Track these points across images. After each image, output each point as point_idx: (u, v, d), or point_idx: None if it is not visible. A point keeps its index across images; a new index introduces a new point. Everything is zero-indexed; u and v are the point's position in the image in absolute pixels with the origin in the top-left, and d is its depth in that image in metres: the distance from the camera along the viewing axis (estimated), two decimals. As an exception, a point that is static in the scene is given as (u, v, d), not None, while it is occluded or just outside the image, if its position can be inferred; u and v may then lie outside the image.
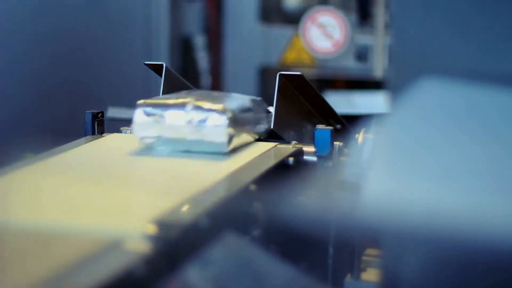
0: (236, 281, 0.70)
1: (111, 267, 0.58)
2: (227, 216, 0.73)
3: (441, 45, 0.66)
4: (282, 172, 0.87)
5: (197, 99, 0.88)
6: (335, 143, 0.93)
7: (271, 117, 0.98)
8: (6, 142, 2.18)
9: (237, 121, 0.88)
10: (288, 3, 2.26)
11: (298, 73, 0.98)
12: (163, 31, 2.23)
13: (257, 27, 2.24)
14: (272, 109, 0.98)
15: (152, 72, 1.08)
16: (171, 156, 0.90)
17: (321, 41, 2.13)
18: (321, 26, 2.12)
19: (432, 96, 0.65)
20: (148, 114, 0.88)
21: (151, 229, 0.63)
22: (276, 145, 0.94)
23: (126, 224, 0.66)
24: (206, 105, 0.88)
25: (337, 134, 0.97)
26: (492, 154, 0.61)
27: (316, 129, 0.93)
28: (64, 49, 2.28)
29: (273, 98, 0.97)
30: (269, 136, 0.98)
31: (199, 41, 2.31)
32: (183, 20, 2.30)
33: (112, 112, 1.29)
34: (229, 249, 0.71)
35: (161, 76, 1.04)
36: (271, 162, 0.87)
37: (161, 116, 0.88)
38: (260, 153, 0.90)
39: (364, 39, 2.14)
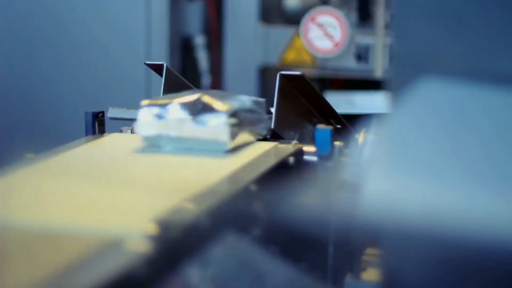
0: (236, 281, 0.70)
1: (111, 267, 0.58)
2: (227, 216, 0.73)
3: (441, 45, 0.66)
4: (282, 171, 0.87)
5: (200, 98, 0.89)
6: (335, 143, 0.93)
7: (272, 118, 0.98)
8: (6, 142, 2.18)
9: (239, 121, 0.89)
10: (288, 3, 2.26)
11: (299, 73, 0.98)
12: (163, 31, 2.23)
13: (257, 27, 2.24)
14: (272, 109, 0.98)
15: (153, 72, 1.08)
16: (171, 156, 0.90)
17: (321, 41, 2.13)
18: (321, 26, 2.12)
19: (433, 96, 0.65)
20: (151, 113, 0.89)
21: (151, 229, 0.63)
22: (276, 145, 0.94)
23: (127, 224, 0.67)
24: (209, 104, 0.88)
25: (337, 134, 0.98)
26: (493, 154, 0.61)
27: (316, 129, 0.93)
28: (64, 49, 2.28)
29: (274, 98, 0.97)
30: (269, 136, 0.98)
31: (199, 41, 2.31)
32: (183, 20, 2.30)
33: (113, 112, 1.29)
34: (229, 249, 0.71)
35: (161, 76, 1.04)
36: (271, 161, 0.87)
37: (165, 115, 0.88)
38: (260, 152, 0.90)
39: (364, 39, 2.14)
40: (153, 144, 0.90)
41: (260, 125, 0.96)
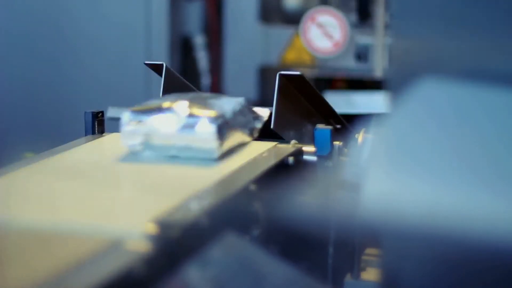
0: (236, 281, 0.70)
1: (111, 267, 0.58)
2: (227, 216, 0.73)
3: (441, 45, 0.66)
4: (282, 171, 0.87)
5: (185, 104, 0.87)
6: (335, 142, 0.93)
7: (259, 116, 0.97)
8: (6, 141, 2.18)
9: (226, 126, 0.87)
10: (288, 3, 2.26)
11: (298, 73, 0.98)
12: (163, 31, 2.23)
13: (257, 27, 2.23)
14: (271, 109, 0.98)
15: (153, 72, 1.08)
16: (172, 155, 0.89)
17: (321, 41, 2.13)
18: (321, 26, 2.12)
19: (432, 96, 0.65)
20: (135, 121, 0.87)
21: (151, 229, 0.63)
22: (275, 145, 0.94)
23: (126, 223, 0.67)
24: (195, 110, 0.86)
25: (337, 133, 0.97)
26: (493, 153, 0.61)
27: (316, 129, 0.93)
28: (64, 48, 2.28)
29: (273, 98, 0.97)
30: (269, 135, 0.98)
31: (199, 41, 2.31)
32: (183, 20, 2.30)
33: (112, 112, 1.29)
34: (229, 249, 0.71)
35: (161, 76, 1.04)
36: (271, 161, 0.87)
37: (149, 123, 0.86)
38: (260, 152, 0.90)
39: (364, 39, 2.14)
40: (138, 152, 0.88)
41: (248, 125, 0.94)
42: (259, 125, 0.96)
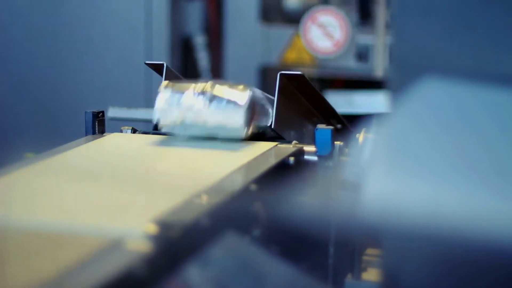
0: (237, 281, 0.70)
1: (112, 267, 0.58)
2: (227, 216, 0.73)
3: (441, 45, 0.66)
4: (283, 172, 0.87)
5: (217, 86, 0.92)
6: (335, 142, 0.93)
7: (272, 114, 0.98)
8: (6, 141, 2.18)
9: (254, 109, 0.92)
10: (288, 3, 2.26)
11: (299, 72, 0.98)
12: (163, 31, 2.23)
13: (257, 27, 2.23)
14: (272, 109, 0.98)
15: (153, 71, 1.08)
16: (171, 156, 0.90)
17: (322, 41, 2.13)
18: (322, 26, 2.12)
19: (433, 96, 0.65)
20: (168, 100, 0.92)
21: (152, 229, 0.63)
22: (276, 145, 0.94)
23: (127, 223, 0.66)
24: (226, 92, 0.92)
25: (337, 133, 0.97)
26: (494, 153, 0.61)
27: (316, 129, 0.93)
28: (64, 48, 2.28)
29: (274, 98, 0.97)
30: (269, 135, 0.98)
31: (199, 41, 2.31)
32: (183, 20, 2.30)
33: (113, 112, 1.29)
34: (229, 249, 0.71)
35: (161, 76, 1.04)
36: (272, 161, 0.87)
37: (181, 102, 0.92)
38: (261, 152, 0.90)
39: (364, 38, 2.14)
40: (170, 131, 0.93)
41: (265, 118, 0.97)
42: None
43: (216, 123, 0.91)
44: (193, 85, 0.93)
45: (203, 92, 0.92)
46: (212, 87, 0.92)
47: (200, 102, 0.91)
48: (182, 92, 0.92)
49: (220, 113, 0.91)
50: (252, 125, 0.92)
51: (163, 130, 0.94)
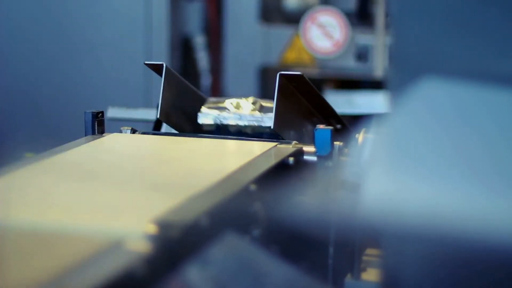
0: (236, 281, 0.70)
1: (112, 267, 0.58)
2: (227, 216, 0.73)
3: (441, 45, 0.66)
4: (282, 172, 0.87)
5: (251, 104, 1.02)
6: (335, 143, 0.93)
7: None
8: (6, 141, 2.18)
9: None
10: (288, 3, 2.26)
11: (298, 73, 0.98)
12: (163, 31, 2.23)
13: (257, 27, 2.24)
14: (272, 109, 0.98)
15: (153, 72, 1.08)
16: (171, 156, 0.90)
17: (321, 41, 2.13)
18: (321, 26, 2.12)
19: (433, 96, 0.65)
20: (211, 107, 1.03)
21: (151, 229, 0.63)
22: (276, 145, 0.94)
23: (127, 223, 0.66)
24: (262, 107, 1.02)
25: (337, 134, 0.97)
26: (494, 153, 0.61)
27: (316, 129, 0.93)
28: (64, 49, 2.28)
29: (273, 98, 0.97)
30: (269, 135, 0.98)
31: (199, 41, 2.31)
32: (183, 20, 2.30)
33: (112, 112, 1.29)
34: (229, 249, 0.71)
35: (161, 76, 1.04)
36: (271, 162, 0.87)
37: (223, 107, 1.03)
38: (260, 153, 0.90)
39: (364, 39, 2.14)
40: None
41: None
42: None
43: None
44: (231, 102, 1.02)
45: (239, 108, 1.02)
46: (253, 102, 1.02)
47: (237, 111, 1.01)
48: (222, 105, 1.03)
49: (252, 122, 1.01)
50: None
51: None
